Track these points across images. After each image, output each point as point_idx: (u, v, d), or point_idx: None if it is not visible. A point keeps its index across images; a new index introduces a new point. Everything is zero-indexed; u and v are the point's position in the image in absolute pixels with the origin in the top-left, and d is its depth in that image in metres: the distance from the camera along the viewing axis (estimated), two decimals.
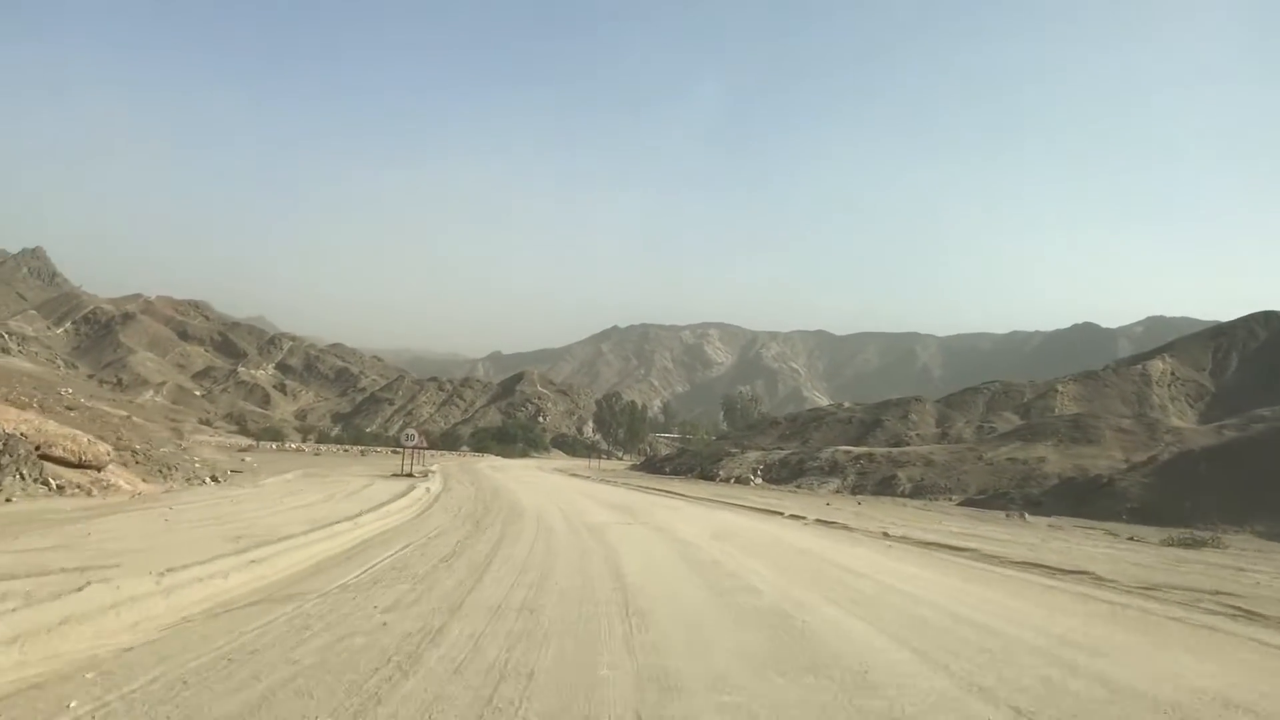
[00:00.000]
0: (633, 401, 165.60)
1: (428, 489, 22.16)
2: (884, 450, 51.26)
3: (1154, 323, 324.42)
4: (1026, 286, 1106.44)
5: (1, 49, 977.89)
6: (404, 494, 18.86)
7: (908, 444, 57.34)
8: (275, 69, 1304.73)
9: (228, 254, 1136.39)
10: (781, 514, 22.66)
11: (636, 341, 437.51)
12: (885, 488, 42.51)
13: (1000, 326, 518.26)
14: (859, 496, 40.31)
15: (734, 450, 63.84)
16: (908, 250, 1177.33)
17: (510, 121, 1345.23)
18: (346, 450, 74.78)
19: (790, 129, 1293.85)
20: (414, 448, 33.90)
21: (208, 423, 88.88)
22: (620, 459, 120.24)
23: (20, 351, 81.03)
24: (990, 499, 36.17)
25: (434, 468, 44.39)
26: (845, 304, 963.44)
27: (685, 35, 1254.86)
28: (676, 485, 43.82)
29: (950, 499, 38.69)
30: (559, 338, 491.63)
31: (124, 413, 41.64)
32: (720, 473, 53.86)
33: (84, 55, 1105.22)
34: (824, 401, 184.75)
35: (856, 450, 51.76)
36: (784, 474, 50.00)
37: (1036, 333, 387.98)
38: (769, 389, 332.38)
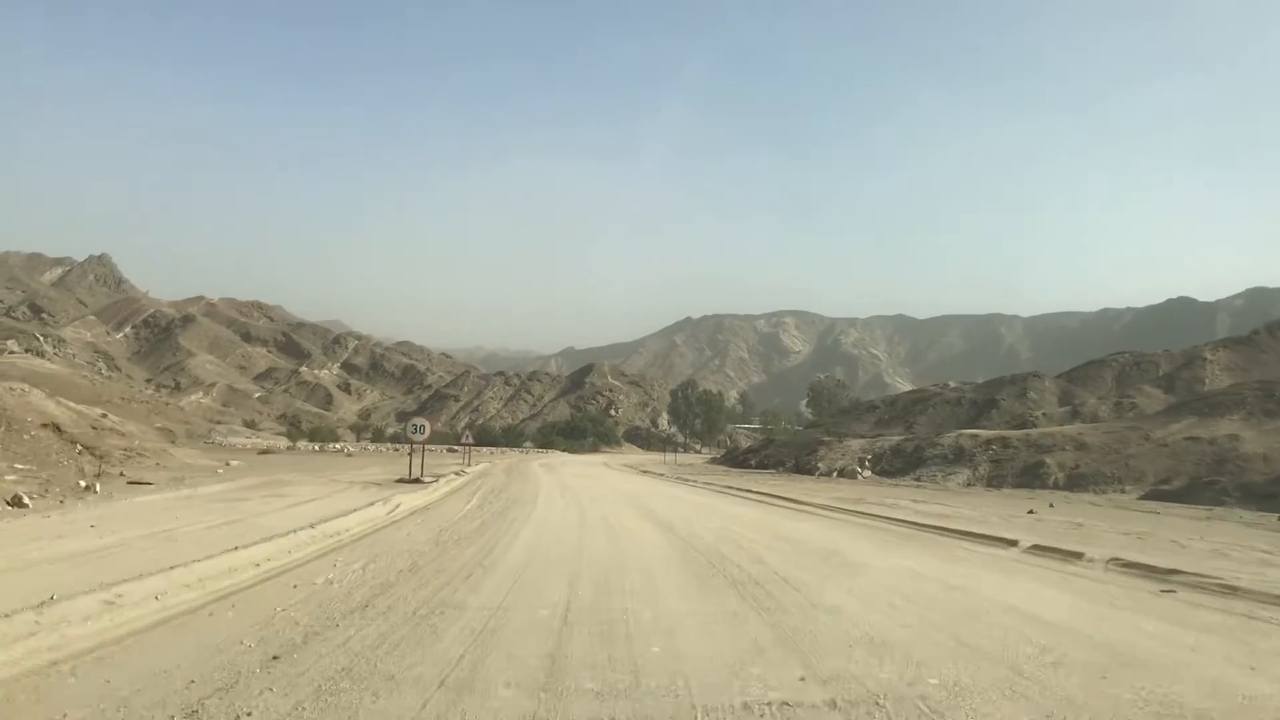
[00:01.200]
0: (708, 389, 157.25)
1: (398, 505, 14.52)
2: (1018, 433, 42.22)
3: (1256, 294, 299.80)
4: (1114, 261, 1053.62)
5: (77, 61, 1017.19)
6: (330, 518, 11.15)
7: (1034, 425, 48.45)
8: (336, 77, 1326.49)
9: (307, 259, 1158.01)
10: (1013, 542, 12.18)
11: (710, 332, 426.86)
12: (1030, 478, 33.68)
13: (1089, 304, 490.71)
14: (1005, 490, 31.59)
15: (828, 439, 55.17)
16: (987, 227, 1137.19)
17: (581, 119, 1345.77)
18: (397, 449, 68.46)
19: (863, 116, 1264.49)
20: (424, 443, 26.37)
21: (252, 424, 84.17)
22: (698, 452, 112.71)
23: (57, 354, 77.76)
24: (1187, 490, 27.00)
25: (473, 468, 38.10)
26: (925, 287, 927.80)
27: (764, 15, 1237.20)
28: (774, 484, 34.76)
29: (1123, 490, 29.80)
30: (632, 331, 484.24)
31: (100, 411, 35.50)
32: (819, 465, 45.34)
33: (153, 66, 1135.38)
34: (907, 387, 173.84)
35: (985, 434, 42.74)
36: (897, 464, 41.30)
37: (1128, 309, 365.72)
38: (849, 376, 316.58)
